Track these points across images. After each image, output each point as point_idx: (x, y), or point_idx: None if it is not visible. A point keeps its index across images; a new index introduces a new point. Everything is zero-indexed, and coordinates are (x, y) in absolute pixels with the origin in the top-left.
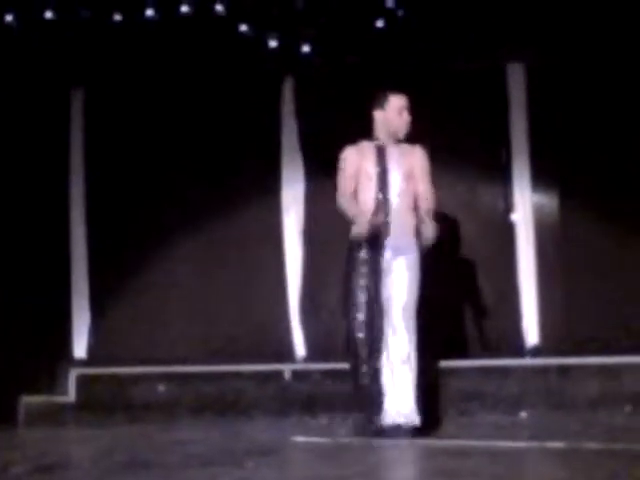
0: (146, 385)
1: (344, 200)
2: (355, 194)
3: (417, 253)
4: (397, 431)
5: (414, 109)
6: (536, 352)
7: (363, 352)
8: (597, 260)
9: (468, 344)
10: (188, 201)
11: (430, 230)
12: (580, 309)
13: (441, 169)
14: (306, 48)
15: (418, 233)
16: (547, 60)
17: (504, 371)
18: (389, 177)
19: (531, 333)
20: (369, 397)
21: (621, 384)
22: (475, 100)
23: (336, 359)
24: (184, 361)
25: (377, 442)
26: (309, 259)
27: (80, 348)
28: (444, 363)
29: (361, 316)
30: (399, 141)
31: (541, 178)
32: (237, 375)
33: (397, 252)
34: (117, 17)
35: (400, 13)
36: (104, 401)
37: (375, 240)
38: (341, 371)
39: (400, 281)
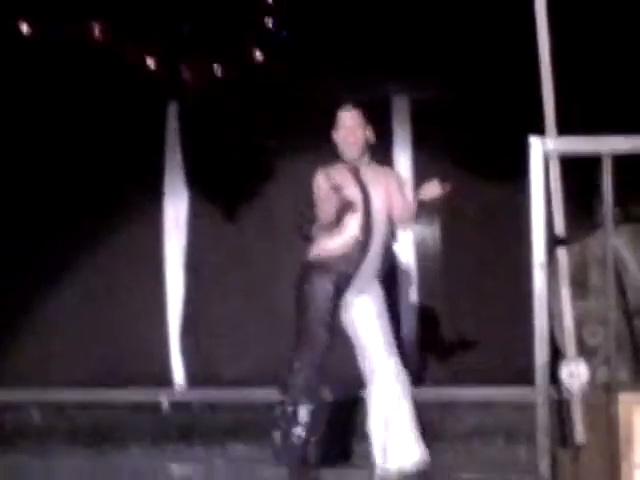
0: (20, 412)
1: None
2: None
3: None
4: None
5: (302, 137)
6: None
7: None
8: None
9: None
10: (70, 226)
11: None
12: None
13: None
14: (190, 72)
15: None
16: (432, 94)
17: None
18: (372, 209)
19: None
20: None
21: (497, 416)
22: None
23: (215, 388)
24: (59, 388)
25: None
26: (191, 285)
27: None
28: None
29: (317, 358)
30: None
31: (423, 213)
32: (112, 404)
33: (361, 291)
34: None
35: (284, 37)
36: None
37: (341, 271)
38: (220, 401)
39: (371, 319)
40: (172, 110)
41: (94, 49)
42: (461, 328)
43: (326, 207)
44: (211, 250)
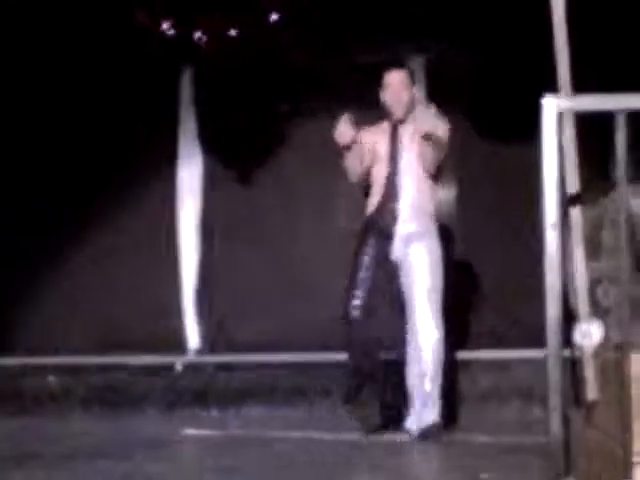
0: (36, 376)
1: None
2: (368, 175)
3: (437, 240)
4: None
5: (316, 101)
6: None
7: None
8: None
9: None
10: (82, 190)
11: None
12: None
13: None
14: (204, 37)
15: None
16: (447, 55)
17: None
18: (399, 158)
19: None
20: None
21: (512, 377)
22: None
23: (230, 351)
24: (75, 352)
25: (270, 434)
26: (205, 250)
27: None
28: None
29: (356, 312)
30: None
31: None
32: (128, 367)
33: (410, 240)
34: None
35: (300, 5)
36: None
37: (382, 227)
38: (234, 363)
39: (420, 265)
40: (186, 75)
41: (107, 14)
42: (478, 290)
43: (349, 157)
44: (225, 214)
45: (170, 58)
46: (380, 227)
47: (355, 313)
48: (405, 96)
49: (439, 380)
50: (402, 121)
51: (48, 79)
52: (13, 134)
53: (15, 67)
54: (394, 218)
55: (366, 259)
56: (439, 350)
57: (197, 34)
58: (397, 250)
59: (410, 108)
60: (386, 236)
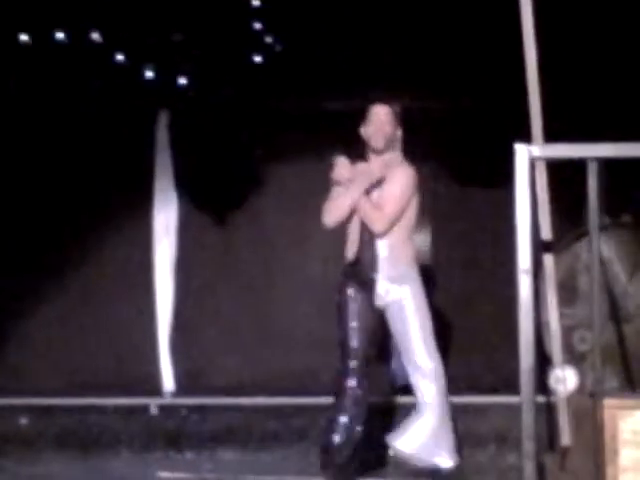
0: (7, 418)
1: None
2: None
3: (419, 283)
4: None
5: (291, 145)
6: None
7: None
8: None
9: None
10: (58, 231)
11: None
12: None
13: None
14: (182, 81)
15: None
16: (421, 104)
17: None
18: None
19: None
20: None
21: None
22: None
23: (204, 394)
24: (48, 394)
25: (244, 478)
26: (180, 291)
27: None
28: None
29: (353, 363)
30: (388, 162)
31: None
32: (101, 408)
33: (393, 284)
34: None
35: (278, 49)
36: None
37: (363, 275)
38: (209, 406)
39: (408, 306)
40: (162, 118)
41: (87, 56)
42: (451, 336)
43: (338, 196)
44: (201, 256)
45: (147, 101)
46: (360, 275)
47: (336, 439)
48: (388, 130)
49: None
50: (380, 153)
51: (27, 118)
52: None
53: None
54: (373, 264)
55: (352, 310)
56: (440, 380)
57: (181, 79)
58: (380, 296)
59: (391, 144)
60: (367, 283)
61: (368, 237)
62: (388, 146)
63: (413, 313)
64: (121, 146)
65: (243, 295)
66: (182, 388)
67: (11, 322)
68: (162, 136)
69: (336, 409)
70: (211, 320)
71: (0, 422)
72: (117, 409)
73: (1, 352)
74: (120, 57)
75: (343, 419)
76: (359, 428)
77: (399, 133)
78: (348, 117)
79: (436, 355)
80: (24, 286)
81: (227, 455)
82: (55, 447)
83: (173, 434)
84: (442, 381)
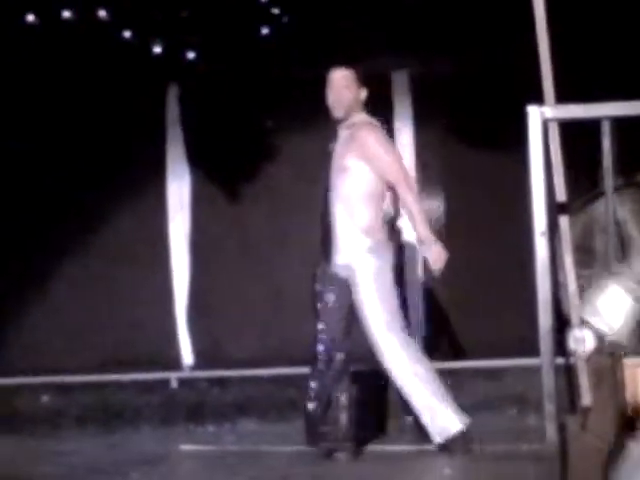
0: (30, 396)
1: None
2: None
3: (378, 259)
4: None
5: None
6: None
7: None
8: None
9: None
10: (72, 208)
11: (430, 250)
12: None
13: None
14: (191, 54)
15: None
16: (431, 68)
17: None
18: (331, 175)
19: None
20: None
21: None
22: None
23: (223, 366)
24: (69, 371)
25: (265, 449)
26: (196, 265)
27: None
28: None
29: (321, 326)
30: (351, 125)
31: (426, 186)
32: (122, 384)
33: (347, 270)
34: None
35: (285, 20)
36: None
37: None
38: (228, 378)
39: (366, 298)
40: (173, 92)
41: (96, 32)
42: (469, 299)
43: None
44: (215, 229)
45: (157, 75)
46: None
47: (309, 405)
48: (346, 95)
49: (419, 389)
50: (341, 122)
51: (39, 97)
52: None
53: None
54: (333, 246)
55: (320, 271)
56: (399, 360)
57: (190, 53)
58: (341, 266)
59: (355, 108)
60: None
61: (328, 214)
62: (349, 112)
63: (367, 285)
64: (132, 122)
65: (259, 267)
66: (201, 361)
67: (30, 300)
68: (172, 110)
69: (309, 375)
70: (228, 293)
71: (22, 400)
72: (137, 384)
73: (21, 331)
74: (127, 34)
75: (313, 385)
76: (336, 394)
77: (363, 94)
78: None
79: (394, 338)
80: (42, 264)
81: (248, 426)
82: (77, 424)
83: (194, 407)
84: (405, 363)
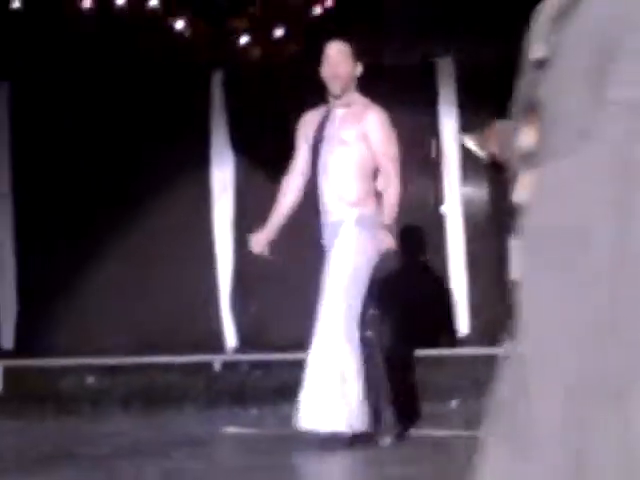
0: (75, 377)
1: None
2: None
3: (359, 228)
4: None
5: None
6: (466, 342)
7: None
8: None
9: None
10: (118, 193)
11: (388, 235)
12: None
13: None
14: (239, 40)
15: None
16: (476, 54)
17: (438, 360)
18: (323, 148)
19: (462, 323)
20: None
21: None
22: (405, 95)
23: (266, 350)
24: (113, 353)
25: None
26: (239, 249)
27: (7, 339)
28: None
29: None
30: (349, 101)
31: (470, 171)
32: (166, 366)
33: (335, 230)
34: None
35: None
36: (32, 393)
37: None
38: (270, 362)
39: (335, 260)
40: (217, 77)
41: (142, 18)
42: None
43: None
44: (259, 213)
45: (202, 61)
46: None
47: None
48: (342, 70)
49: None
50: (338, 97)
51: (89, 83)
52: (50, 140)
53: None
54: (322, 208)
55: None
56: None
57: (243, 38)
58: (326, 239)
59: (350, 85)
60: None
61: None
62: (345, 88)
63: (345, 249)
64: (177, 107)
65: (301, 251)
66: (244, 344)
67: (77, 283)
68: (217, 95)
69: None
70: (271, 276)
71: (68, 381)
72: (181, 367)
73: (67, 313)
74: (176, 22)
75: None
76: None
77: (359, 70)
78: (406, 71)
79: (343, 330)
80: (89, 247)
81: (290, 410)
82: (121, 405)
83: (236, 390)
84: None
